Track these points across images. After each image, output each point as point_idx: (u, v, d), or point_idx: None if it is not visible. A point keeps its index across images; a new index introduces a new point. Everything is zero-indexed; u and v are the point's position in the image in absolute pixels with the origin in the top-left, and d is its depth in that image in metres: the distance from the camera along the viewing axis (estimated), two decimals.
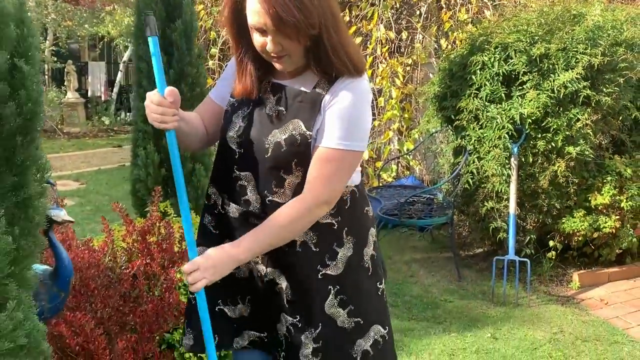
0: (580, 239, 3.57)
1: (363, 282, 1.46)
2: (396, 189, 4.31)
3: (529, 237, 3.61)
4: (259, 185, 1.39)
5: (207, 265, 1.32)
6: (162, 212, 2.70)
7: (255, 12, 1.24)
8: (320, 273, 1.42)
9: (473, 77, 3.61)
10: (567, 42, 3.41)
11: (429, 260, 4.06)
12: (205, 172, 3.08)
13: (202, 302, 1.44)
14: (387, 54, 4.98)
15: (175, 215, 2.83)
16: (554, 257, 3.63)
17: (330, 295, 1.43)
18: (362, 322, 1.45)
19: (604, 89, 3.39)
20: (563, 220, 3.54)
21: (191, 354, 2.37)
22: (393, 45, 5.07)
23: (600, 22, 3.50)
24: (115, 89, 12.22)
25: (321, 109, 1.34)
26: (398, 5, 5.16)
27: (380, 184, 4.62)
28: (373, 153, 5.01)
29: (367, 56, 4.97)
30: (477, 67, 3.59)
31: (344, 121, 1.32)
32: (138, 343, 2.07)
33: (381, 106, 4.97)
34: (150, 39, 1.37)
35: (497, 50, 3.54)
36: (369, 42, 5.03)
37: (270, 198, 1.39)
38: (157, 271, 2.32)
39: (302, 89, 1.37)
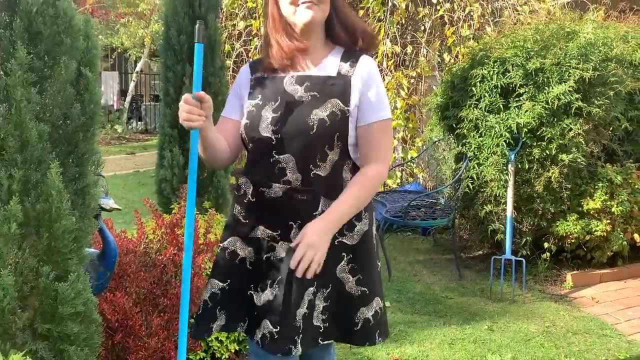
0: (573, 241, 3.80)
1: (371, 257, 1.67)
2: (400, 194, 4.56)
3: (525, 239, 3.85)
4: (299, 164, 1.53)
5: (319, 242, 1.46)
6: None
7: None
8: (337, 240, 1.57)
9: (473, 89, 3.87)
10: (561, 58, 3.67)
11: (431, 261, 4.29)
12: (225, 173, 3.34)
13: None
14: (392, 67, 5.25)
15: (197, 212, 3.08)
16: (548, 258, 3.86)
17: (343, 261, 1.60)
18: (367, 292, 1.63)
19: (595, 101, 3.64)
20: (557, 224, 3.78)
21: (213, 337, 2.62)
22: (398, 58, 5.35)
23: (592, 39, 3.76)
24: (128, 98, 12.55)
25: (351, 88, 1.54)
26: (404, 21, 5.44)
27: (385, 190, 4.87)
28: None
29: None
30: (477, 80, 3.86)
31: (380, 98, 1.57)
32: (169, 322, 2.32)
33: None
34: (196, 45, 1.53)
35: (495, 64, 3.80)
36: (375, 56, 5.31)
37: (315, 172, 1.53)
38: None
39: (329, 74, 1.57)
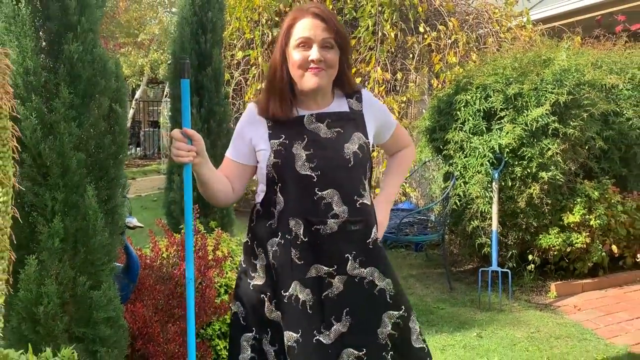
0: (555, 253, 4.07)
1: None
2: (394, 212, 4.81)
3: (510, 252, 4.10)
4: (343, 197, 1.58)
5: (385, 215, 1.77)
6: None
7: (310, 26, 1.55)
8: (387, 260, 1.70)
9: (458, 113, 4.17)
10: (538, 83, 3.98)
11: (423, 275, 4.54)
12: None
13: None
14: (384, 92, 5.57)
15: (204, 231, 3.32)
16: (533, 270, 4.12)
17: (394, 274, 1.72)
18: None
19: (571, 123, 3.94)
20: (540, 237, 4.04)
21: (219, 343, 2.85)
22: (389, 84, 5.67)
23: (565, 65, 4.08)
24: (127, 124, 12.82)
25: (365, 121, 1.69)
26: (393, 50, 5.78)
27: None
28: (373, 181, 5.54)
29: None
30: (462, 105, 4.16)
31: (386, 113, 1.82)
32: (184, 330, 2.55)
33: None
34: (182, 81, 1.56)
35: (478, 90, 4.11)
36: (367, 82, 5.63)
37: (360, 201, 1.61)
38: (196, 275, 2.80)
39: (342, 110, 1.68)
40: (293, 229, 1.59)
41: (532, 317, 3.70)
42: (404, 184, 5.49)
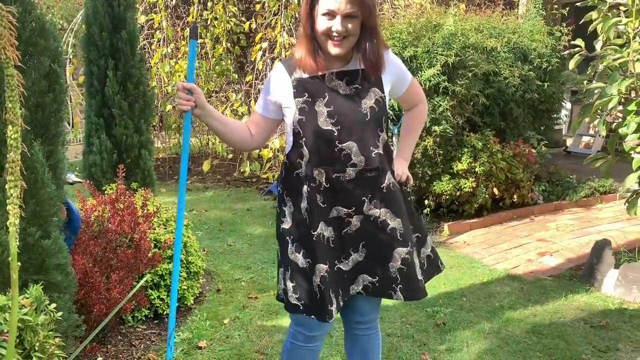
0: (447, 197, 4.63)
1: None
2: None
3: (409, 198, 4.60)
4: (361, 148, 1.75)
5: (405, 169, 1.95)
6: (114, 189, 3.29)
7: None
8: (409, 201, 1.92)
9: None
10: (430, 46, 4.44)
11: None
12: (150, 156, 3.71)
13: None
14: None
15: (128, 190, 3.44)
16: (429, 213, 4.66)
17: (413, 211, 1.94)
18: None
19: (458, 82, 4.46)
20: (434, 184, 4.58)
21: (152, 293, 3.05)
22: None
23: (453, 30, 4.57)
24: None
25: (382, 77, 1.80)
26: (297, 15, 6.01)
27: None
28: (283, 142, 5.82)
29: (274, 59, 5.78)
30: None
31: (403, 69, 1.90)
32: (122, 279, 2.72)
33: None
34: (191, 42, 1.75)
35: None
36: (274, 47, 5.84)
37: (375, 152, 1.77)
38: (128, 230, 2.95)
39: (362, 68, 1.77)
40: (317, 177, 1.76)
41: None
42: None
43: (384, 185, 1.79)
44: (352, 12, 1.65)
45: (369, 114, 1.75)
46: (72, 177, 2.31)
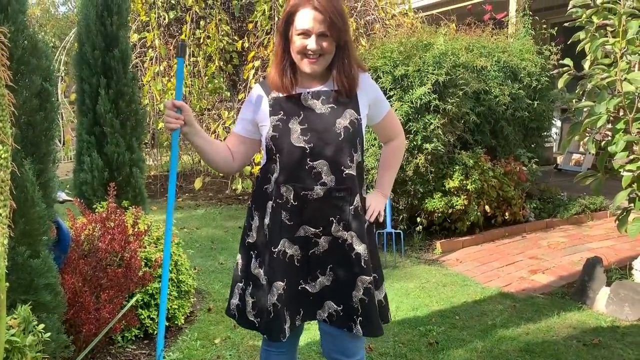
0: (439, 215, 4.64)
1: None
2: None
3: (402, 216, 4.62)
4: (332, 167, 1.75)
5: (381, 206, 1.93)
6: (105, 208, 3.27)
7: (310, 18, 1.67)
8: (367, 231, 1.86)
9: None
10: (420, 65, 4.48)
11: None
12: (141, 174, 3.69)
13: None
14: None
15: (119, 209, 3.42)
16: (421, 231, 4.67)
17: (375, 249, 1.92)
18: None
19: (449, 100, 4.50)
20: (426, 201, 4.59)
21: (142, 312, 3.01)
22: None
23: (443, 49, 4.62)
24: None
25: (358, 98, 1.80)
26: None
27: None
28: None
29: (267, 76, 5.81)
30: None
31: (381, 96, 1.91)
32: (112, 298, 2.69)
33: None
34: (178, 59, 1.76)
35: (369, 72, 4.53)
36: (267, 65, 5.87)
37: (346, 172, 1.75)
38: (118, 248, 2.93)
39: (337, 88, 1.79)
40: (284, 194, 1.76)
41: (422, 271, 4.22)
42: None
43: (352, 207, 1.78)
44: (325, 32, 1.69)
45: (342, 133, 1.76)
46: (62, 195, 2.30)
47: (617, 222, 3.28)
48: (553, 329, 3.13)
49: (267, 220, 1.81)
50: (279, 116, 1.77)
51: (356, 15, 6.35)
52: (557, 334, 3.06)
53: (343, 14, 1.73)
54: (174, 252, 3.26)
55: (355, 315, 1.79)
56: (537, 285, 3.85)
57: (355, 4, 6.49)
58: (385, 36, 5.65)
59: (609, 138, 3.20)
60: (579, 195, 5.72)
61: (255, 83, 6.02)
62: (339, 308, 1.81)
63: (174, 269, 3.20)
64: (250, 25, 6.13)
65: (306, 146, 1.74)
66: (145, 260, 3.07)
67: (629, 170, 3.07)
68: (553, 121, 6.32)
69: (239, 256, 1.96)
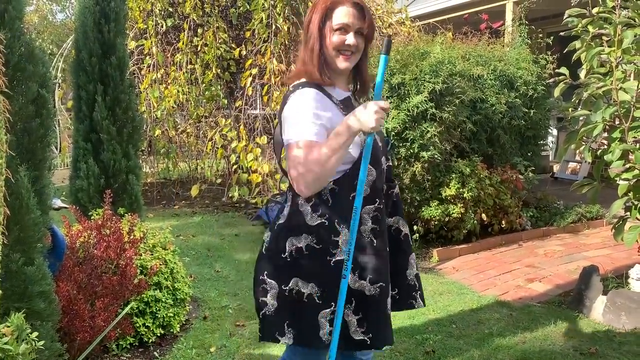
0: (436, 223, 4.63)
1: None
2: None
3: None
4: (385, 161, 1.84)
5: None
6: (101, 215, 3.25)
7: (350, 14, 1.69)
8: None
9: None
10: (417, 74, 4.50)
11: None
12: (137, 181, 3.69)
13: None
14: (280, 83, 5.86)
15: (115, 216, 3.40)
16: (418, 239, 4.66)
17: None
18: None
19: (445, 108, 4.51)
20: (423, 210, 4.59)
21: (137, 320, 2.99)
22: (284, 75, 5.97)
23: (440, 58, 4.64)
24: None
25: None
26: (287, 42, 6.08)
27: (279, 193, 5.43)
28: (272, 167, 5.83)
29: (264, 85, 5.82)
30: None
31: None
32: (107, 306, 2.67)
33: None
34: (382, 56, 1.68)
35: None
36: (264, 73, 5.89)
37: (387, 164, 1.85)
38: (114, 256, 2.91)
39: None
40: (377, 197, 1.74)
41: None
42: None
43: (394, 192, 1.87)
44: (362, 28, 1.71)
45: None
46: (57, 202, 2.29)
47: (613, 230, 3.29)
48: (550, 337, 3.12)
49: (367, 226, 1.72)
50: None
51: None
52: (554, 343, 3.05)
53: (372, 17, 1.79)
54: (169, 260, 3.25)
55: (413, 291, 1.87)
56: (533, 293, 3.85)
57: None
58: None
59: (605, 147, 3.21)
60: (575, 204, 5.73)
61: (252, 89, 6.06)
62: (394, 293, 1.83)
63: (170, 276, 3.19)
64: (248, 33, 6.14)
65: (380, 144, 1.80)
66: (140, 268, 3.06)
67: (625, 179, 3.08)
68: (549, 130, 6.35)
69: (311, 286, 1.69)
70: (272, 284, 1.73)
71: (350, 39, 1.70)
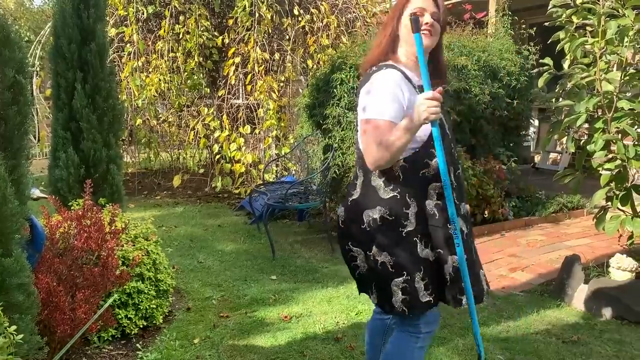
0: None
1: None
2: (279, 184, 5.12)
3: None
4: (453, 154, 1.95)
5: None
6: (81, 205, 3.19)
7: (426, 1, 1.82)
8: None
9: (335, 90, 4.55)
10: None
11: (307, 240, 4.91)
12: (118, 171, 3.62)
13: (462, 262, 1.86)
14: (263, 72, 5.80)
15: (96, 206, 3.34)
16: None
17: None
18: None
19: None
20: None
21: (120, 312, 2.95)
22: (268, 64, 5.91)
23: None
24: None
25: None
26: (270, 31, 6.02)
27: (265, 182, 5.40)
28: (256, 157, 5.79)
29: (247, 74, 5.76)
30: (338, 83, 4.54)
31: None
32: (88, 298, 2.62)
33: (261, 116, 5.78)
34: (415, 36, 1.71)
35: (351, 69, 4.52)
36: (247, 62, 5.82)
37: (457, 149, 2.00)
38: (94, 247, 2.86)
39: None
40: (451, 175, 1.86)
41: None
42: (286, 158, 5.81)
43: (459, 173, 1.96)
44: (436, 13, 1.83)
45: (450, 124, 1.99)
46: (36, 192, 2.23)
47: (595, 220, 3.33)
48: (532, 326, 3.15)
49: (432, 201, 1.84)
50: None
51: (337, 12, 6.33)
52: (537, 332, 3.08)
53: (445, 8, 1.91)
54: (152, 251, 3.20)
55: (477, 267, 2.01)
56: (516, 283, 3.88)
57: (337, 2, 6.47)
58: (366, 34, 5.64)
59: (588, 137, 3.23)
60: (556, 194, 5.78)
61: (235, 78, 5.99)
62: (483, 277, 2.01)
63: (152, 267, 3.14)
64: (231, 21, 6.06)
65: (448, 131, 1.91)
66: (122, 259, 3.01)
67: (607, 169, 3.11)
68: (531, 120, 6.39)
69: (384, 254, 1.85)
70: (358, 250, 1.91)
71: (427, 17, 1.80)
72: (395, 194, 1.84)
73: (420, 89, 1.79)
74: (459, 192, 1.93)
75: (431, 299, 1.87)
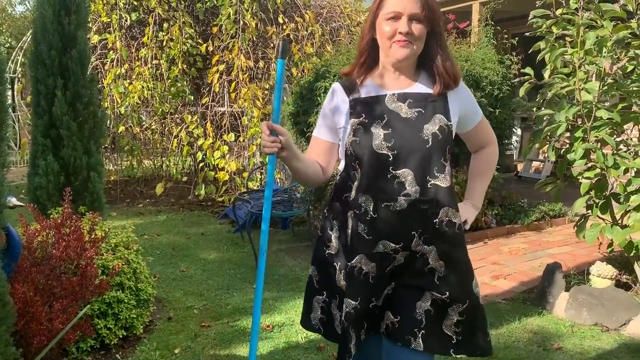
0: None
1: None
2: (262, 193, 5.10)
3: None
4: (417, 177, 1.59)
5: (471, 218, 1.81)
6: (60, 213, 3.14)
7: (400, 1, 1.57)
8: (466, 255, 1.69)
9: (319, 98, 4.56)
10: None
11: (291, 248, 4.89)
12: (99, 179, 3.58)
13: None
14: (247, 80, 5.80)
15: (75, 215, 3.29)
16: None
17: (475, 278, 1.71)
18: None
19: None
20: None
21: (99, 322, 2.90)
22: (252, 72, 5.91)
23: None
24: None
25: (448, 102, 1.66)
26: (254, 39, 6.02)
27: (248, 190, 5.38)
28: (240, 165, 5.76)
29: (231, 81, 5.75)
30: (322, 91, 4.55)
31: (475, 103, 1.79)
32: (66, 308, 2.58)
33: (245, 124, 5.76)
34: (279, 62, 1.61)
35: (335, 77, 4.53)
36: (232, 69, 5.81)
37: (432, 182, 1.60)
38: (73, 255, 2.81)
39: (425, 92, 1.66)
40: (363, 204, 1.62)
41: None
42: None
43: (436, 220, 1.62)
44: (416, 14, 1.58)
45: (430, 140, 1.60)
46: (12, 200, 2.19)
47: (575, 228, 3.36)
48: (514, 334, 3.16)
49: (349, 231, 1.66)
50: (361, 119, 1.64)
51: (322, 21, 6.35)
52: (519, 339, 3.09)
53: (435, 2, 1.63)
54: (132, 260, 3.16)
55: (415, 328, 1.63)
56: (499, 290, 3.90)
57: (321, 10, 6.50)
58: (350, 43, 5.66)
59: (568, 146, 3.27)
60: (538, 202, 5.84)
61: (219, 86, 5.97)
62: (395, 319, 1.66)
63: (132, 276, 3.10)
64: (215, 29, 6.05)
65: (389, 153, 1.59)
66: (102, 268, 2.97)
67: (587, 178, 3.14)
68: (514, 129, 6.45)
69: (313, 268, 1.81)
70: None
71: (402, 26, 1.57)
72: (325, 211, 1.83)
73: (354, 101, 1.67)
74: (389, 228, 1.61)
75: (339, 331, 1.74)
